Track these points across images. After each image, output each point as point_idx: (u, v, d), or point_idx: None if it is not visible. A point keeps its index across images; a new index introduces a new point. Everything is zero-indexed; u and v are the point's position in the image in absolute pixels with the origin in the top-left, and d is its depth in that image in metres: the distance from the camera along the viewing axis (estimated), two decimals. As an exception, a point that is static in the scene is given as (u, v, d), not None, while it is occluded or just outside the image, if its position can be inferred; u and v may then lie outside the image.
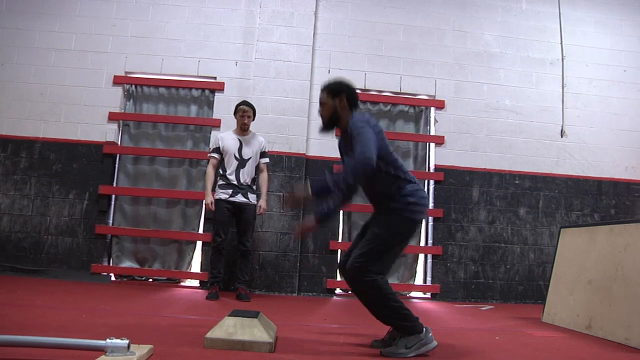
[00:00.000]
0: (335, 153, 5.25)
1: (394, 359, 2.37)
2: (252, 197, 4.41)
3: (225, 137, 4.46)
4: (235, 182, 4.34)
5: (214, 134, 5.12)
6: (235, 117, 4.50)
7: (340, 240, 5.21)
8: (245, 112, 4.44)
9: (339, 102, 2.63)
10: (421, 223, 2.63)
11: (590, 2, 5.79)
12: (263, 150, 4.54)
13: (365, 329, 3.25)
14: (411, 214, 2.51)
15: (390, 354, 2.40)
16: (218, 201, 4.33)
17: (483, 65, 5.58)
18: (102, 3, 5.36)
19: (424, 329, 2.45)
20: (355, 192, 2.59)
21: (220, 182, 4.39)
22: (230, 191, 4.32)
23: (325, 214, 2.45)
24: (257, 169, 4.52)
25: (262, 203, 4.46)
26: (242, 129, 4.48)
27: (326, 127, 2.72)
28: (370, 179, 2.48)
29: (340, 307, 4.37)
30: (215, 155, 4.43)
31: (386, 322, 2.50)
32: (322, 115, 2.70)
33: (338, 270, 2.62)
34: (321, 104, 2.68)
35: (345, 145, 2.60)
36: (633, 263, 3.05)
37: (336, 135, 2.99)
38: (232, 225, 4.43)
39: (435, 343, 2.46)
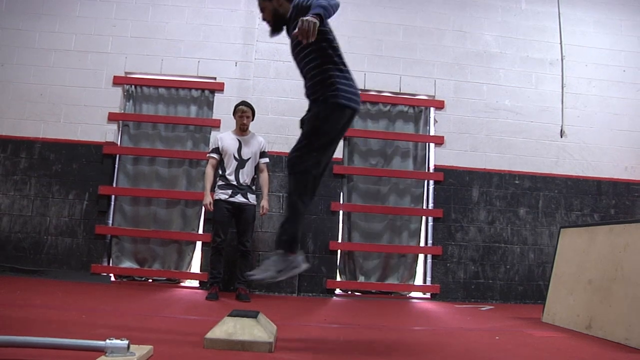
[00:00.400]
0: (335, 153, 5.27)
1: (265, 280, 2.34)
2: (252, 198, 4.41)
3: (225, 138, 4.46)
4: (234, 183, 4.34)
5: (214, 135, 5.13)
6: (235, 118, 4.51)
7: (340, 241, 5.22)
8: (244, 113, 4.44)
9: (277, 2, 2.69)
10: (356, 113, 2.58)
11: (589, 2, 5.79)
12: (263, 150, 4.54)
13: (366, 329, 3.25)
14: (347, 101, 2.48)
15: (261, 280, 2.37)
16: (217, 201, 4.33)
17: (483, 66, 5.58)
18: (102, 4, 5.36)
19: (299, 251, 2.42)
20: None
21: (220, 182, 4.39)
22: (229, 191, 4.32)
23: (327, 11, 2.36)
24: (257, 169, 4.53)
25: (264, 203, 4.46)
26: (242, 129, 4.48)
27: (274, 29, 2.78)
28: (314, 60, 2.50)
29: (340, 307, 4.37)
30: (215, 155, 4.43)
31: (282, 227, 2.45)
32: (266, 20, 2.77)
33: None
34: (261, 11, 2.77)
35: (292, 26, 2.59)
36: (633, 263, 3.05)
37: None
38: (231, 225, 4.43)
39: (305, 265, 2.43)
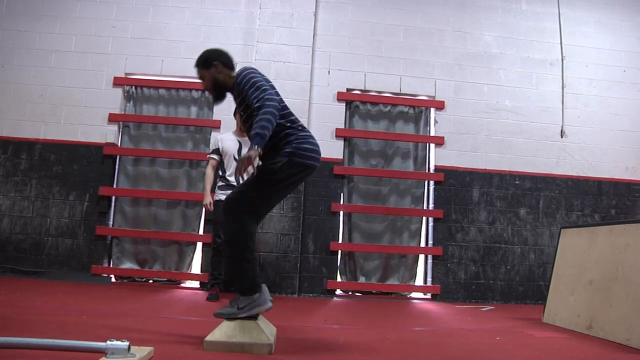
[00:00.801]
0: (335, 154, 5.29)
1: (224, 319, 2.35)
2: None
3: (225, 139, 4.46)
4: (234, 183, 4.34)
5: (214, 135, 5.13)
6: (235, 118, 4.51)
7: (340, 242, 5.22)
8: None
9: (215, 70, 2.66)
10: (310, 170, 2.63)
11: (590, 2, 5.79)
12: None
13: (366, 330, 3.25)
14: (301, 159, 2.53)
15: (220, 315, 2.37)
16: (218, 202, 4.33)
17: (483, 66, 5.58)
18: (102, 5, 5.37)
19: (261, 288, 2.41)
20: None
21: (220, 183, 4.39)
22: (229, 192, 4.32)
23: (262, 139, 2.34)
24: None
25: None
26: (242, 130, 4.48)
27: (217, 97, 2.74)
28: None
29: (340, 308, 4.36)
30: (215, 156, 4.43)
31: (232, 273, 2.46)
32: (208, 89, 2.74)
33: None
34: (200, 78, 2.72)
35: (237, 100, 2.63)
36: (633, 263, 3.05)
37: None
38: None
39: (269, 304, 2.41)
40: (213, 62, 2.66)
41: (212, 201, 4.34)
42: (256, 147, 2.27)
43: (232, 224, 2.42)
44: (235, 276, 2.42)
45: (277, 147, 2.52)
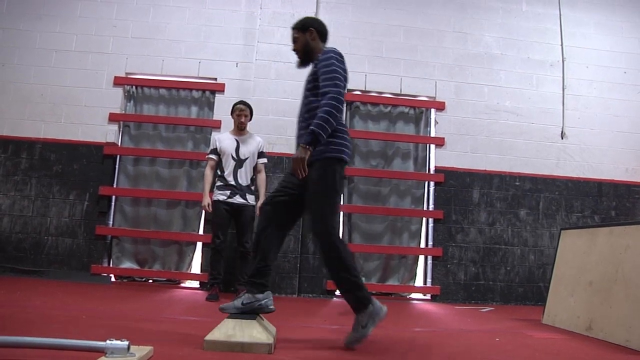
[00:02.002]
0: (335, 154, 5.28)
1: (359, 343, 2.41)
2: (251, 198, 4.41)
3: (222, 138, 4.46)
4: (233, 183, 4.34)
5: (213, 135, 5.13)
6: (232, 117, 4.52)
7: (340, 242, 5.21)
8: (242, 111, 4.45)
9: (310, 36, 2.73)
10: (346, 164, 2.66)
11: (590, 3, 5.79)
12: (261, 150, 4.54)
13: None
14: (339, 154, 2.56)
15: (353, 343, 2.43)
16: (216, 202, 4.33)
17: (483, 67, 5.58)
18: (103, 4, 5.37)
19: (371, 299, 2.46)
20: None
21: (219, 183, 4.39)
22: (228, 192, 4.32)
23: (315, 138, 2.40)
24: (255, 170, 4.52)
25: (260, 204, 4.44)
26: (239, 128, 4.48)
27: (302, 61, 2.80)
28: (312, 109, 2.53)
29: (340, 308, 4.36)
30: (213, 156, 4.43)
31: (347, 295, 2.51)
32: (296, 50, 2.80)
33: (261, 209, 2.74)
34: (293, 41, 2.80)
35: (312, 76, 2.65)
36: (633, 264, 3.05)
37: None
38: (230, 226, 4.43)
39: (385, 309, 2.46)
40: (310, 27, 2.74)
41: (210, 202, 4.34)
42: (307, 145, 2.36)
43: (329, 253, 2.47)
44: (353, 297, 2.48)
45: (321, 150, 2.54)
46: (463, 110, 5.48)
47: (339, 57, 2.57)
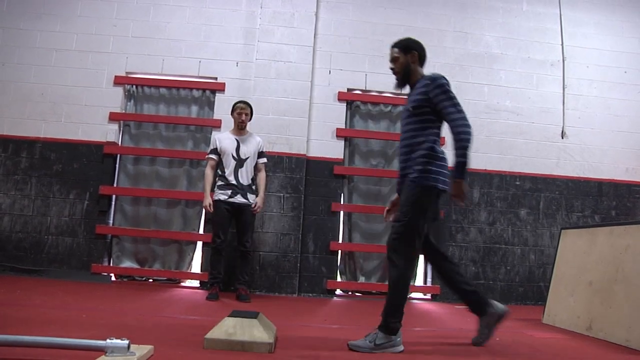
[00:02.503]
0: (335, 154, 5.29)
1: (358, 352, 2.45)
2: (252, 198, 4.40)
3: (222, 138, 4.46)
4: (234, 183, 4.34)
5: (214, 134, 5.13)
6: (233, 116, 4.51)
7: (340, 241, 5.21)
8: (242, 110, 4.45)
9: (411, 58, 2.76)
10: (443, 192, 2.71)
11: (591, 3, 5.79)
12: (261, 150, 4.54)
13: (366, 330, 3.25)
14: (434, 182, 2.59)
15: (356, 348, 2.47)
16: (217, 202, 4.32)
17: (484, 67, 5.58)
18: (103, 3, 5.37)
19: (399, 332, 2.51)
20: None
21: (219, 182, 4.39)
22: (229, 192, 4.32)
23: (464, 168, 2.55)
24: (255, 169, 4.52)
25: (259, 201, 4.43)
26: (240, 128, 4.48)
27: (401, 82, 2.83)
28: (413, 131, 2.64)
29: (340, 307, 4.36)
30: (213, 156, 4.42)
31: (385, 307, 2.56)
32: (395, 72, 2.81)
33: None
34: (393, 60, 2.79)
35: (412, 94, 2.73)
36: (633, 264, 3.05)
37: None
38: (231, 226, 4.43)
39: (401, 347, 2.51)
40: (413, 50, 2.77)
41: (211, 202, 4.33)
42: (465, 177, 2.54)
43: (399, 266, 2.52)
44: (388, 315, 2.52)
45: (414, 165, 2.63)
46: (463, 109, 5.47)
47: (448, 82, 2.65)
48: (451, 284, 2.79)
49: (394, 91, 5.39)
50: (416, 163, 2.61)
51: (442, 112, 2.59)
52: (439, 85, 2.60)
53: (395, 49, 2.78)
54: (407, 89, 2.88)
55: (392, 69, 2.82)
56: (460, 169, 2.52)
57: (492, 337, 2.65)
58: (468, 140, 2.52)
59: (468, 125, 2.55)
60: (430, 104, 2.61)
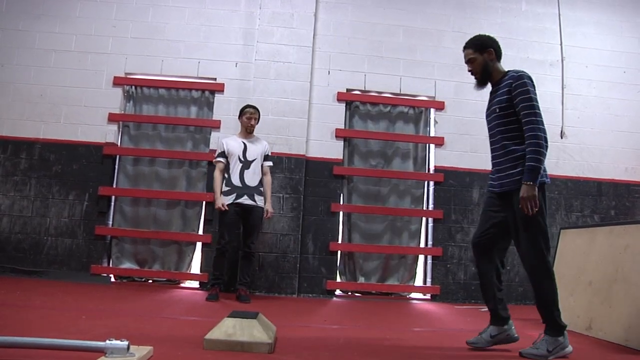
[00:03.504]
0: (335, 154, 5.29)
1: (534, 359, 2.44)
2: (259, 200, 4.39)
3: (230, 141, 4.46)
4: (239, 185, 4.33)
5: (215, 136, 5.13)
6: (240, 120, 4.51)
7: (340, 242, 5.21)
8: (252, 114, 4.46)
9: (488, 56, 2.71)
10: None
11: (590, 3, 5.79)
12: (266, 153, 4.55)
13: (366, 330, 3.25)
14: (543, 177, 2.51)
15: (530, 356, 2.45)
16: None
17: (483, 67, 5.56)
18: (102, 4, 5.37)
19: (564, 333, 2.50)
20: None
21: (225, 188, 4.37)
22: (235, 194, 4.31)
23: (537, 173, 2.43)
24: (261, 172, 4.51)
25: (268, 207, 4.44)
26: (248, 131, 4.49)
27: (481, 82, 2.76)
28: (506, 132, 2.56)
29: (340, 308, 4.36)
30: (221, 159, 4.42)
31: (545, 311, 2.55)
32: (474, 72, 2.75)
33: (472, 248, 2.78)
34: (469, 61, 2.74)
35: (496, 94, 2.66)
36: (633, 264, 3.05)
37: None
38: (238, 227, 4.41)
39: (570, 348, 2.50)
40: (488, 48, 2.71)
41: (224, 202, 4.30)
42: (531, 183, 2.40)
43: (543, 272, 2.51)
44: (550, 318, 2.52)
45: (516, 166, 2.54)
46: (462, 109, 5.48)
47: (532, 82, 2.58)
48: (487, 287, 2.72)
49: (388, 91, 5.45)
50: (519, 158, 2.52)
51: (520, 112, 2.52)
52: (521, 83, 2.54)
53: (470, 50, 2.72)
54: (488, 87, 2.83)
55: (470, 70, 2.75)
56: (531, 172, 2.41)
57: (486, 346, 2.59)
58: (540, 146, 2.42)
59: (542, 130, 2.45)
60: (513, 102, 2.55)
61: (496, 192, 2.67)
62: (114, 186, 5.19)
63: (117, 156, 5.24)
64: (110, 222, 5.15)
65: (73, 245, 5.01)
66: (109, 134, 5.18)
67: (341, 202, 5.29)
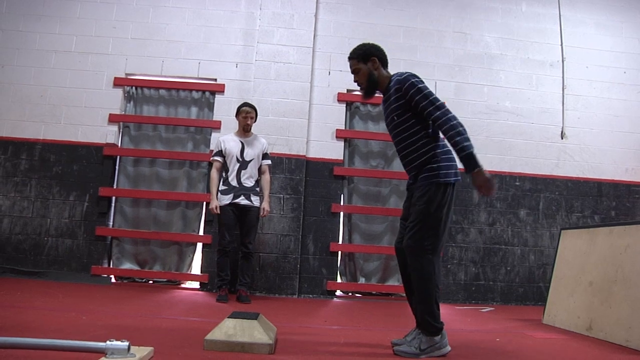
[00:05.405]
0: (335, 155, 5.29)
1: (404, 359, 2.39)
2: (255, 200, 4.40)
3: (227, 140, 4.46)
4: (236, 185, 4.34)
5: (215, 136, 5.13)
6: (238, 119, 4.51)
7: (340, 242, 5.21)
8: (248, 114, 4.45)
9: (372, 65, 2.68)
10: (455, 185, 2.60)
11: (590, 3, 5.80)
12: (265, 151, 4.54)
13: (366, 330, 3.25)
14: (445, 177, 2.50)
15: (402, 354, 2.42)
16: (222, 207, 4.32)
17: (483, 67, 5.58)
18: (103, 5, 5.37)
19: (442, 333, 2.46)
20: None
21: (222, 187, 4.38)
22: (232, 194, 4.32)
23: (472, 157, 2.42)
24: (259, 171, 4.52)
25: (265, 205, 4.45)
26: (245, 130, 4.48)
27: (368, 92, 2.73)
28: (407, 139, 2.53)
29: (340, 309, 4.36)
30: (218, 158, 4.42)
31: (418, 311, 2.51)
32: (359, 82, 2.72)
33: (395, 250, 2.69)
34: (354, 72, 2.71)
35: (388, 101, 2.62)
36: (633, 264, 3.05)
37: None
38: (237, 227, 4.42)
39: (448, 348, 2.46)
40: (372, 56, 2.69)
41: (218, 205, 4.32)
42: (479, 165, 2.38)
43: (420, 266, 2.43)
44: (424, 317, 2.46)
45: (422, 167, 2.53)
46: (463, 110, 5.47)
47: (417, 78, 2.52)
48: (411, 291, 2.64)
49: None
50: (422, 164, 2.53)
51: (423, 113, 2.48)
52: (409, 85, 2.47)
53: (353, 60, 2.68)
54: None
55: (355, 81, 2.70)
56: (467, 162, 2.38)
57: (417, 357, 2.41)
58: (459, 134, 2.40)
59: (451, 118, 2.42)
60: (410, 106, 2.51)
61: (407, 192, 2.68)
62: (115, 187, 5.19)
63: (118, 157, 5.25)
64: (111, 223, 5.16)
65: (73, 246, 5.01)
66: (110, 135, 5.18)
67: (341, 203, 5.29)
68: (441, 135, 2.55)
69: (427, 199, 2.45)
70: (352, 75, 2.78)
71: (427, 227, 2.44)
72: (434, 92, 2.50)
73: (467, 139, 2.42)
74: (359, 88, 2.75)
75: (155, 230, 5.11)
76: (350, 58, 2.74)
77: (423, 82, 2.51)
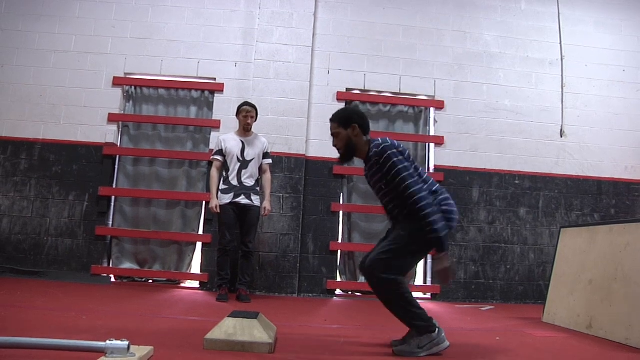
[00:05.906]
0: (335, 154, 5.27)
1: (405, 358, 2.39)
2: (256, 199, 4.40)
3: (228, 139, 4.46)
4: (237, 184, 4.33)
5: (214, 136, 5.13)
6: (238, 118, 4.50)
7: (340, 241, 5.21)
8: (248, 113, 4.44)
9: (352, 132, 2.62)
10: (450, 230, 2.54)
11: (589, 2, 5.79)
12: (265, 151, 4.54)
13: (366, 330, 3.25)
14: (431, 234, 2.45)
15: (401, 353, 2.42)
16: (222, 206, 4.32)
17: (482, 66, 5.58)
18: (102, 5, 5.37)
19: (437, 329, 2.45)
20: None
21: (223, 186, 4.37)
22: (232, 194, 4.32)
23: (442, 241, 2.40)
24: (260, 170, 4.52)
25: (267, 204, 4.45)
26: (245, 130, 4.48)
27: (344, 158, 2.70)
28: (395, 199, 2.51)
29: (340, 308, 4.36)
30: (218, 157, 4.42)
31: (402, 320, 2.50)
32: (337, 147, 2.69)
33: (359, 270, 2.66)
34: (333, 135, 2.67)
35: (371, 171, 2.61)
36: (633, 263, 3.05)
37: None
38: (237, 226, 4.42)
39: (447, 343, 2.46)
40: (353, 123, 2.62)
41: (218, 204, 4.32)
42: (445, 250, 2.38)
43: (383, 285, 2.43)
44: (410, 321, 2.46)
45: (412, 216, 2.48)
46: (462, 109, 5.48)
47: (395, 150, 2.48)
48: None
49: (388, 91, 5.45)
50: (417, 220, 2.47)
51: (397, 189, 2.45)
52: (386, 158, 2.46)
53: (334, 124, 2.65)
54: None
55: (334, 145, 2.69)
56: (435, 244, 2.39)
57: (417, 355, 2.41)
58: (428, 215, 2.34)
59: (422, 198, 2.37)
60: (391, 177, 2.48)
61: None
62: (114, 186, 5.19)
63: (117, 156, 5.24)
64: (111, 223, 5.16)
65: (73, 245, 5.01)
66: (109, 134, 5.18)
67: (341, 202, 5.29)
68: (431, 188, 2.54)
69: (411, 231, 2.45)
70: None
71: (401, 251, 2.45)
72: (409, 165, 2.48)
73: (436, 222, 2.36)
74: (336, 151, 2.71)
75: (155, 229, 5.11)
76: (331, 121, 2.68)
77: (399, 154, 2.47)
